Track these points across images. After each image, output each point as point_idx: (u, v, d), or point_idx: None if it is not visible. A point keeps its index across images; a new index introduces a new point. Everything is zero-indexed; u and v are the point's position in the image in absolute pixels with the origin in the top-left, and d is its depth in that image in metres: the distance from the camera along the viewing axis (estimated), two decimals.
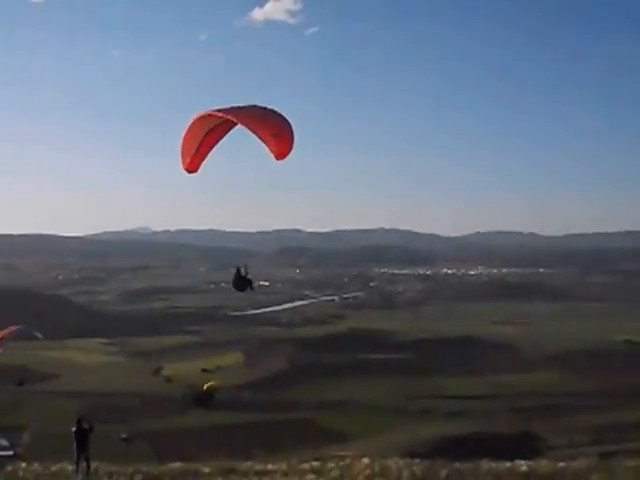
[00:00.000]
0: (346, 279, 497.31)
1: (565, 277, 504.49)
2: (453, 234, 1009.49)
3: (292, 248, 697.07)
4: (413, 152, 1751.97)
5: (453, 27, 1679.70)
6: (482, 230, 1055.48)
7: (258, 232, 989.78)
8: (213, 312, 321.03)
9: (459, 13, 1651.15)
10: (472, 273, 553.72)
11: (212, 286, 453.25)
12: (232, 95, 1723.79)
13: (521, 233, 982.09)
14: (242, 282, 21.02)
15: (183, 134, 17.56)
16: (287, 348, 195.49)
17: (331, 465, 20.16)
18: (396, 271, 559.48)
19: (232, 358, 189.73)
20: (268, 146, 16.09)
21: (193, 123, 17.18)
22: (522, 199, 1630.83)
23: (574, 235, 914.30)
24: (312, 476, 18.82)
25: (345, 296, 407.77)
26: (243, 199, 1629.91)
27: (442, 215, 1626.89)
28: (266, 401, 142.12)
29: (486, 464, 19.79)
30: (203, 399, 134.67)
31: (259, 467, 20.43)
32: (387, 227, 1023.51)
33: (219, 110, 16.45)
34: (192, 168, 18.12)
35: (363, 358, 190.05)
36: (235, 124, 16.74)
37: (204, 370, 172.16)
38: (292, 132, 16.36)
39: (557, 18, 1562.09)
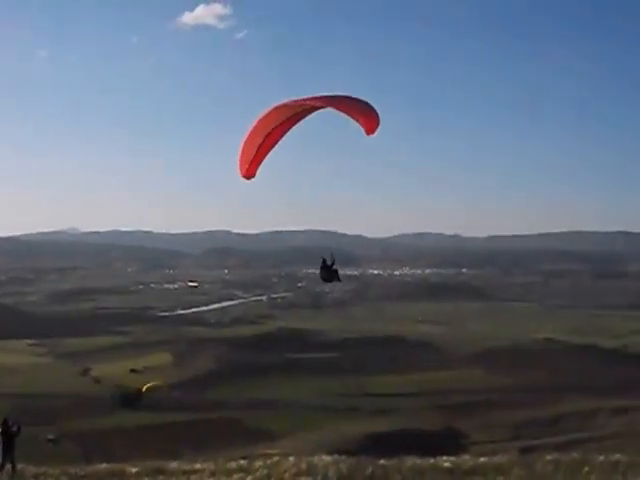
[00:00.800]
0: (274, 280, 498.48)
1: (487, 277, 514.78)
2: (379, 235, 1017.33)
3: (221, 249, 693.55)
4: (339, 154, 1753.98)
5: (373, 28, 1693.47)
6: (407, 232, 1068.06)
7: (187, 233, 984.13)
8: (142, 313, 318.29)
9: (388, 15, 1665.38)
10: (397, 273, 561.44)
11: (141, 287, 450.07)
12: (162, 98, 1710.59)
13: (445, 235, 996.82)
14: (328, 273, 20.53)
15: (243, 140, 18.08)
16: (215, 348, 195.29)
17: (258, 464, 20.02)
18: None
19: (160, 358, 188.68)
20: (360, 124, 17.47)
21: (259, 123, 17.77)
22: (446, 202, 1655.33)
23: (495, 237, 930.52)
24: (239, 475, 18.81)
25: (273, 296, 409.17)
26: (172, 200, 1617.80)
27: (369, 217, 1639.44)
28: (194, 401, 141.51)
29: (410, 460, 20.24)
30: (131, 399, 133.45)
31: (186, 467, 20.22)
32: (315, 228, 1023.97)
33: (303, 99, 17.46)
34: (250, 174, 18.54)
35: (291, 357, 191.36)
36: (300, 119, 17.81)
37: (132, 370, 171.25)
38: (376, 111, 17.79)
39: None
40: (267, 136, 18.03)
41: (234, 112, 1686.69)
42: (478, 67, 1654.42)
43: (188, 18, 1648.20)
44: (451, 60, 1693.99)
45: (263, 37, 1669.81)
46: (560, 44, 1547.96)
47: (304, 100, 17.45)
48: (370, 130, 17.52)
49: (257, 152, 18.12)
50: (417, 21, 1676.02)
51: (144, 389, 60.53)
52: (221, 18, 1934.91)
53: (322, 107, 17.73)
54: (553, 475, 18.23)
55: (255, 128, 17.87)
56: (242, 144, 18.20)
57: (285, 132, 18.20)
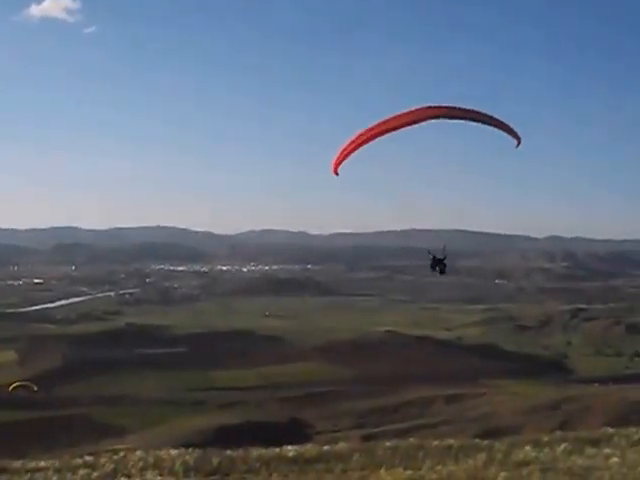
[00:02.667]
0: (123, 276, 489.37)
1: (331, 273, 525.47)
2: (227, 232, 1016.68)
3: (68, 245, 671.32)
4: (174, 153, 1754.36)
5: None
6: (255, 229, 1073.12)
7: (32, 229, 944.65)
8: None
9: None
10: (245, 270, 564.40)
11: None
12: (10, 92, 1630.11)
13: (291, 232, 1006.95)
14: (441, 264, 21.71)
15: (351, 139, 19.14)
16: (62, 345, 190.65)
17: (104, 459, 19.56)
18: (172, 268, 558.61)
19: (4, 356, 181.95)
20: (512, 136, 19.59)
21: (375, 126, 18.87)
22: (290, 200, 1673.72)
23: (340, 234, 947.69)
24: (85, 471, 18.29)
25: (122, 292, 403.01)
26: (17, 196, 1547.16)
27: (216, 213, 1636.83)
28: (41, 399, 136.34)
29: (256, 451, 20.28)
30: None
31: (31, 465, 19.31)
32: (163, 225, 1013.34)
33: (459, 108, 18.98)
34: (336, 170, 19.38)
35: (139, 353, 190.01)
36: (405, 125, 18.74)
37: None
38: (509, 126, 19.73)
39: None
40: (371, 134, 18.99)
41: (71, 106, 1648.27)
42: None
43: (35, 10, 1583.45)
44: None
45: (112, 33, 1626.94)
46: None
47: (444, 108, 18.90)
48: (519, 141, 20.12)
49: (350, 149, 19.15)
50: None
51: (10, 389, 59.74)
52: (70, 12, 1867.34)
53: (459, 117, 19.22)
54: (391, 460, 18.97)
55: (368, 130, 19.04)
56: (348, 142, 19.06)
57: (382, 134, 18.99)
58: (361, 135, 19.18)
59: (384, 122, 18.91)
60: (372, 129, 19.09)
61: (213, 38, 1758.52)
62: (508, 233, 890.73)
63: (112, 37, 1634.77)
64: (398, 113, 18.90)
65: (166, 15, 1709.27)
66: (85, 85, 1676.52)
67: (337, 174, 19.75)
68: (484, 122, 19.67)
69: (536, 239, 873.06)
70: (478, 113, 19.52)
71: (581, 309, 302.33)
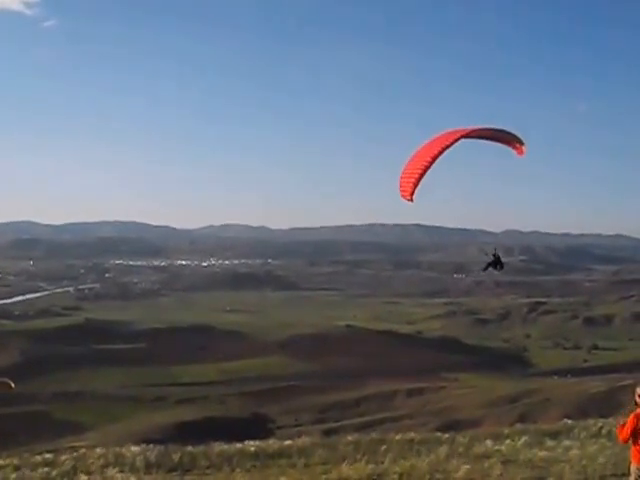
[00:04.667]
0: (82, 271, 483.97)
1: (292, 267, 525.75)
2: (187, 227, 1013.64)
3: (25, 240, 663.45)
4: (148, 148, 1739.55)
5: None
6: (214, 223, 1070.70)
7: None
8: None
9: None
10: (205, 264, 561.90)
11: None
12: None
13: (251, 226, 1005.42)
14: (498, 263, 21.74)
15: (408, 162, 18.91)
16: (20, 341, 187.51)
17: (64, 457, 19.20)
18: (131, 262, 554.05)
19: None
20: (515, 150, 19.64)
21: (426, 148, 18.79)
22: (252, 194, 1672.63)
23: (300, 229, 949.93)
24: (45, 469, 17.91)
25: (81, 287, 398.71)
26: None
27: (177, 208, 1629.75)
28: None
29: (218, 446, 20.19)
30: None
31: None
32: (123, 219, 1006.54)
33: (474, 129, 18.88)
34: (410, 197, 18.90)
35: (98, 349, 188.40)
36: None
37: None
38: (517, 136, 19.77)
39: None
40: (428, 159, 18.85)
41: (27, 102, 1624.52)
42: None
43: None
44: None
45: (72, 27, 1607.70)
46: None
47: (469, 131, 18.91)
48: (522, 153, 19.95)
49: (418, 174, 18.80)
50: None
51: None
52: (28, 5, 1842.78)
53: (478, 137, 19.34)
54: (353, 454, 18.88)
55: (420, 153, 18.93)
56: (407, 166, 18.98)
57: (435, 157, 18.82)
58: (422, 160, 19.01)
59: (433, 145, 18.98)
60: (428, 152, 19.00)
61: (173, 34, 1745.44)
62: (467, 227, 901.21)
63: (72, 32, 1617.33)
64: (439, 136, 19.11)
65: (125, 9, 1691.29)
66: (41, 81, 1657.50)
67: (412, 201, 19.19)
68: (501, 140, 19.96)
69: (494, 233, 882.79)
70: (497, 131, 19.74)
71: (539, 302, 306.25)
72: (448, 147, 18.57)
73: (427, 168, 18.69)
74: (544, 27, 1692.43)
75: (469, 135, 19.05)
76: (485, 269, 22.38)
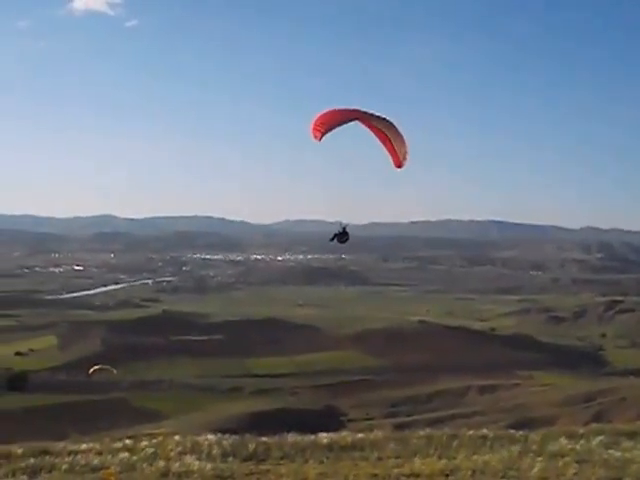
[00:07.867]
0: (160, 264, 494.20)
1: (365, 263, 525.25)
2: (262, 222, 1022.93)
3: (107, 234, 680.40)
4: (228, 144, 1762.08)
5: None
6: (290, 218, 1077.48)
7: (73, 217, 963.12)
8: (27, 296, 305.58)
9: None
10: (280, 259, 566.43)
11: (26, 271, 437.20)
12: (53, 85, 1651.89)
13: (325, 222, 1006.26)
14: (343, 235, 22.95)
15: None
16: (101, 331, 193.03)
17: (144, 443, 19.60)
18: (208, 256, 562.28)
19: (46, 341, 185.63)
20: (393, 159, 19.84)
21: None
22: (327, 190, 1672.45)
23: (375, 224, 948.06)
24: (125, 454, 18.36)
25: (159, 280, 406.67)
26: (57, 184, 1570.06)
27: (252, 204, 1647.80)
28: (80, 383, 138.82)
29: (291, 437, 20.23)
30: (17, 382, 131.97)
31: (73, 447, 19.36)
32: (200, 214, 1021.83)
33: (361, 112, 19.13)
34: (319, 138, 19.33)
35: (176, 340, 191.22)
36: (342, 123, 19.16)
37: (17, 353, 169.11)
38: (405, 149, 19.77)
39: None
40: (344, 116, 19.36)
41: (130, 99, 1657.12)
42: None
43: (79, 4, 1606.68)
44: None
45: (152, 26, 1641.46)
46: None
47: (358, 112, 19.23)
48: (398, 165, 20.17)
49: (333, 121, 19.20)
50: None
51: (91, 371, 60.04)
52: (112, 5, 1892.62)
53: (370, 125, 19.58)
54: (426, 449, 18.81)
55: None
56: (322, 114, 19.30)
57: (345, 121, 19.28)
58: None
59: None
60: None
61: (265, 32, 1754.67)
62: (544, 224, 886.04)
63: (152, 31, 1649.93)
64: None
65: (207, 6, 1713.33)
66: (127, 76, 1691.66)
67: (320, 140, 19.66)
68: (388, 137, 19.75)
69: (572, 230, 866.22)
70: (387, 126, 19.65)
71: (616, 301, 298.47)
72: (349, 119, 18.94)
73: (341, 121, 19.01)
74: None
75: (363, 119, 19.17)
76: (332, 239, 23.37)
